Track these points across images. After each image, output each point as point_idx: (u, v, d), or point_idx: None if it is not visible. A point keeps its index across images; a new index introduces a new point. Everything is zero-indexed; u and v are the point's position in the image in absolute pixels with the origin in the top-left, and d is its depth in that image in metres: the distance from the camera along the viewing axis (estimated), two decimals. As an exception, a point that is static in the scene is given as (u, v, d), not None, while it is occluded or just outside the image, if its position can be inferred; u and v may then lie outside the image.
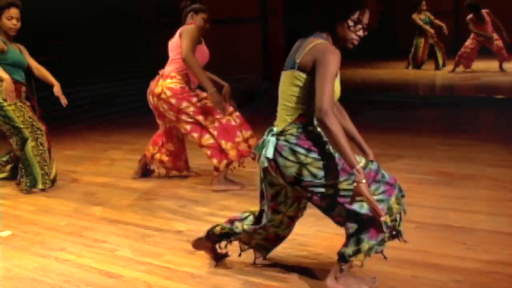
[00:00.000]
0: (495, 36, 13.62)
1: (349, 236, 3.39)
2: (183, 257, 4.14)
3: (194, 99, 5.68)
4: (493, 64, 14.04)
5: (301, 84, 3.33)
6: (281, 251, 4.06)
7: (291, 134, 3.32)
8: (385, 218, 3.33)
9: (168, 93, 5.66)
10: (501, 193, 5.36)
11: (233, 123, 5.62)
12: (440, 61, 14.98)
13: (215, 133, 5.59)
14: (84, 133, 9.16)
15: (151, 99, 5.81)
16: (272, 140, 3.34)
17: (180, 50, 5.57)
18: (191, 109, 5.64)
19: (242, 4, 13.38)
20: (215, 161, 5.60)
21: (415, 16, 14.64)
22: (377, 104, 10.92)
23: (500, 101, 10.57)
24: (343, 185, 3.31)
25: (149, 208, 5.32)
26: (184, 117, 5.66)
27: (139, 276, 3.88)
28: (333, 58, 3.23)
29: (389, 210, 3.43)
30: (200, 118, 5.64)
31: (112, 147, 7.95)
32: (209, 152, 5.62)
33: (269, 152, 3.31)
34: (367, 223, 3.34)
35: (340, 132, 3.19)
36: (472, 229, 4.46)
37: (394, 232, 3.56)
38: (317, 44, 3.31)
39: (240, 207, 4.98)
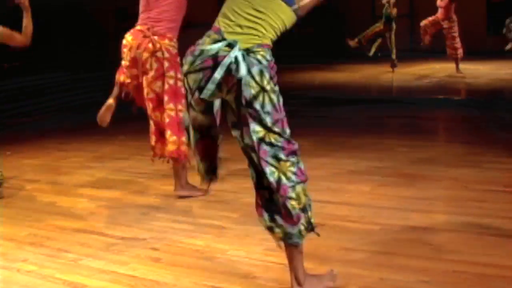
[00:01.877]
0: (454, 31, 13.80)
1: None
2: (148, 265, 4.09)
3: (179, 75, 5.47)
4: (451, 65, 14.21)
5: (282, 14, 3.36)
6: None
7: (263, 57, 3.27)
8: None
9: (167, 54, 5.50)
10: (462, 193, 5.41)
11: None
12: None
13: (167, 120, 5.50)
14: (43, 140, 9.03)
15: (137, 54, 5.53)
16: (241, 54, 3.22)
17: (182, 10, 5.62)
18: (170, 82, 5.50)
19: (198, 7, 13.37)
20: (168, 133, 5.54)
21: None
22: (337, 106, 10.97)
23: (458, 102, 10.71)
24: (272, 136, 3.28)
25: (111, 216, 5.26)
26: (157, 84, 5.52)
27: (103, 285, 3.83)
28: None
29: (297, 196, 3.34)
30: (165, 98, 5.51)
31: (72, 155, 7.86)
32: (167, 120, 5.54)
33: (243, 69, 3.19)
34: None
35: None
36: (436, 230, 4.50)
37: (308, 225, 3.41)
38: None
39: (202, 213, 4.98)
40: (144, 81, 5.60)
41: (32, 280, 3.97)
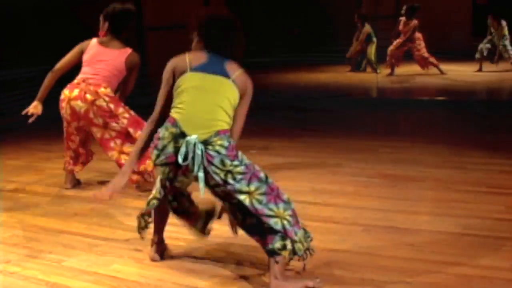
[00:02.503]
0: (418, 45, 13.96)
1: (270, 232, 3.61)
2: (131, 266, 4.10)
3: (127, 107, 5.75)
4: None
5: (233, 100, 3.68)
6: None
7: (221, 146, 3.57)
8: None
9: (107, 98, 5.64)
10: (445, 194, 5.46)
11: None
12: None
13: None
14: (25, 141, 8.98)
15: (75, 105, 5.67)
16: (200, 150, 3.54)
17: (121, 74, 5.78)
18: (125, 116, 5.67)
19: (184, 11, 13.39)
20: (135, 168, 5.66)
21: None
22: (320, 108, 10.99)
23: (442, 103, 10.77)
24: (256, 193, 3.60)
25: (95, 217, 5.25)
26: (115, 123, 5.65)
27: (86, 286, 3.83)
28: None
29: (299, 240, 3.65)
30: (131, 130, 5.66)
31: (56, 156, 7.82)
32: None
33: (196, 169, 3.56)
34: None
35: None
36: (419, 230, 4.54)
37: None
38: (243, 73, 3.74)
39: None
40: (96, 130, 5.77)
41: (15, 281, 3.95)
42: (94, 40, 5.82)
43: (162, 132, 3.63)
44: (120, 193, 5.67)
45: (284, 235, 3.56)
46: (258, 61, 10.68)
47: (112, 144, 5.72)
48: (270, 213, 3.56)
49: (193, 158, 3.52)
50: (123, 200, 5.68)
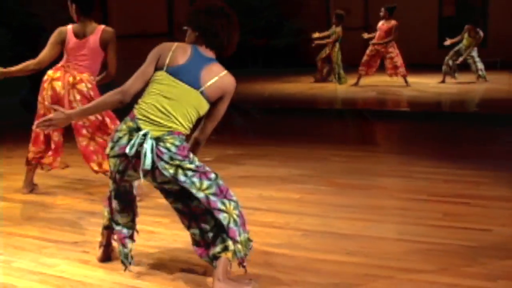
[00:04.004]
0: (392, 52, 14.18)
1: (214, 237, 3.79)
2: (76, 267, 4.25)
3: None
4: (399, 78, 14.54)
5: (200, 109, 3.79)
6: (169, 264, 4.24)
7: (172, 144, 3.67)
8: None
9: (89, 85, 5.74)
10: (388, 201, 5.68)
11: None
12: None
13: (96, 147, 5.82)
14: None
15: (57, 86, 5.76)
16: (150, 144, 3.63)
17: (100, 56, 5.82)
18: None
19: (150, 19, 13.54)
20: (99, 157, 5.82)
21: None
22: (278, 116, 11.19)
23: (399, 113, 11.00)
24: (208, 191, 3.74)
25: (47, 220, 5.38)
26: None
27: (32, 285, 3.98)
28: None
29: (241, 242, 3.81)
30: (107, 120, 5.77)
31: (17, 162, 7.87)
32: (96, 147, 5.84)
33: (147, 162, 3.62)
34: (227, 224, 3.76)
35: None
36: (356, 236, 4.74)
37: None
38: (225, 76, 3.82)
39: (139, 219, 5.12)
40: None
41: (-37, 281, 4.10)
42: (70, 30, 5.81)
43: (120, 125, 3.76)
44: (75, 198, 5.92)
45: (226, 237, 3.72)
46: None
47: (84, 131, 5.81)
48: (222, 207, 3.71)
49: (144, 154, 3.61)
50: (76, 204, 5.84)
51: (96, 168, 5.85)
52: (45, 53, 5.82)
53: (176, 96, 3.72)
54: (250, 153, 7.85)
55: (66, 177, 6.72)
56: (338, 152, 7.83)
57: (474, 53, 14.38)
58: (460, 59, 14.28)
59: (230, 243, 3.73)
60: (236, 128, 10.26)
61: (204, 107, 3.80)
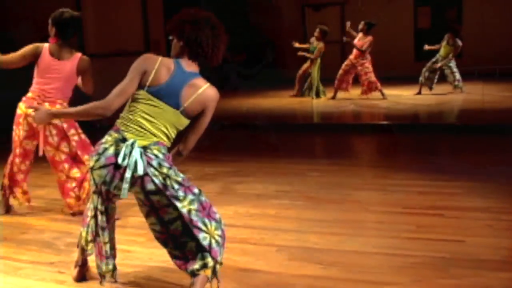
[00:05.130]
0: (366, 67, 14.30)
1: (193, 253, 3.81)
2: (51, 287, 4.27)
3: (79, 130, 5.89)
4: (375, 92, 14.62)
5: (179, 125, 3.85)
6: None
7: (159, 151, 3.74)
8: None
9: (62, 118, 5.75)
10: (363, 215, 5.73)
11: None
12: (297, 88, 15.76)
13: (84, 170, 5.82)
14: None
15: (32, 121, 5.63)
16: (138, 151, 3.68)
17: (73, 81, 5.84)
18: (75, 139, 5.82)
19: (126, 37, 13.56)
20: (76, 191, 5.90)
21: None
22: (255, 131, 11.25)
23: (376, 126, 11.06)
24: (192, 207, 3.78)
25: (23, 241, 5.38)
26: (64, 144, 5.80)
27: (7, 307, 4.00)
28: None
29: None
30: (79, 152, 5.83)
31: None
32: (74, 184, 5.87)
33: (140, 167, 3.65)
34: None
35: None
36: (331, 250, 4.79)
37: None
38: (205, 90, 3.82)
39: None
40: (49, 149, 5.86)
41: None
42: (46, 49, 5.79)
43: (105, 138, 3.77)
44: (52, 218, 5.92)
45: (207, 254, 3.76)
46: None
47: (61, 167, 5.88)
48: (203, 227, 3.75)
49: (135, 161, 3.64)
50: (52, 224, 5.84)
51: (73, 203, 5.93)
52: (13, 57, 5.77)
53: (155, 115, 3.75)
54: (227, 169, 7.88)
55: (42, 197, 6.71)
56: (314, 167, 7.88)
57: (452, 64, 14.48)
58: (439, 64, 14.36)
59: (209, 259, 3.77)
60: (212, 144, 10.27)
61: (184, 123, 3.84)
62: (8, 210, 6.29)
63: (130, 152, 3.65)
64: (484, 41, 18.35)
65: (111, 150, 3.70)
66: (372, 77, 14.29)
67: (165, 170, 3.70)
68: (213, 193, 6.56)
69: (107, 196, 3.87)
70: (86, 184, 5.84)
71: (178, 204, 3.71)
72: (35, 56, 5.77)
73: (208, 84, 3.84)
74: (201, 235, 3.74)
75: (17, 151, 5.98)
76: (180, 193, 3.73)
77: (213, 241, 3.77)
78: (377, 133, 10.58)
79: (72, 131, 5.84)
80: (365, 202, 6.12)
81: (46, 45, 5.82)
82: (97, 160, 3.72)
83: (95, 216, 3.97)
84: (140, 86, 3.77)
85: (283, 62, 20.33)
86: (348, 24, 14.99)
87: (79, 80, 5.93)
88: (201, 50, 3.81)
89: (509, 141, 9.14)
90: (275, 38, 20.93)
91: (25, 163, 6.06)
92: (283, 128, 11.52)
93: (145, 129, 3.73)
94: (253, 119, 12.69)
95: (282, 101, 15.58)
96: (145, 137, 3.73)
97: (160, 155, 3.72)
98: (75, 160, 5.88)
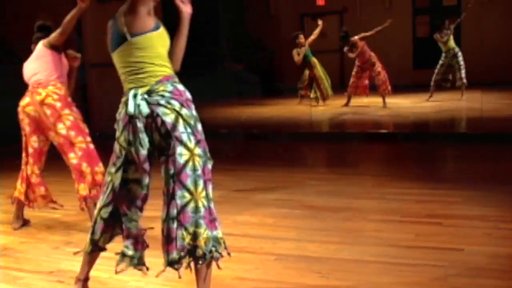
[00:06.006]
0: (378, 68, 14.20)
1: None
2: (51, 297, 4.29)
3: (74, 109, 5.90)
4: (378, 99, 14.66)
5: (168, 46, 3.81)
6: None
7: (164, 90, 3.67)
8: None
9: (55, 96, 5.78)
10: (361, 223, 5.74)
11: (95, 151, 5.87)
12: (318, 95, 15.52)
13: (79, 153, 5.78)
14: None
15: (30, 111, 5.81)
16: (141, 97, 3.64)
17: (50, 58, 5.86)
18: (70, 118, 5.80)
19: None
20: (82, 186, 5.81)
21: (294, 51, 15.00)
22: (254, 140, 11.26)
23: (375, 135, 11.09)
24: (196, 160, 3.67)
25: (23, 251, 5.40)
26: (60, 126, 5.76)
27: (6, 317, 4.01)
28: None
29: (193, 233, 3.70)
30: (72, 133, 5.78)
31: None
32: (73, 175, 5.84)
33: (144, 108, 3.61)
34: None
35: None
36: (328, 259, 4.79)
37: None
38: None
39: (109, 246, 5.12)
40: (54, 135, 5.86)
41: None
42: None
43: (119, 107, 3.78)
44: (51, 227, 5.93)
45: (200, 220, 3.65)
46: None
47: (64, 149, 5.84)
48: (191, 187, 3.62)
49: (138, 105, 3.60)
50: (53, 234, 5.86)
51: (84, 192, 5.81)
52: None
53: (138, 57, 3.72)
54: (225, 178, 7.89)
55: (41, 206, 6.71)
56: (313, 176, 7.91)
57: (460, 58, 14.44)
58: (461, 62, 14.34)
59: (202, 230, 3.67)
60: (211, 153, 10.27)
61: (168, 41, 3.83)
62: (26, 223, 6.24)
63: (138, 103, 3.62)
64: (483, 51, 18.41)
65: (123, 112, 3.71)
66: (385, 74, 14.27)
67: (176, 108, 3.64)
68: (212, 202, 6.55)
69: (145, 167, 3.73)
70: (86, 170, 5.80)
71: (179, 150, 3.61)
72: None
73: None
74: (179, 192, 3.61)
75: (29, 151, 5.98)
76: (192, 138, 3.66)
77: (190, 205, 3.62)
78: (376, 141, 10.60)
79: (66, 110, 5.82)
80: (364, 211, 6.13)
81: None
82: (117, 129, 3.76)
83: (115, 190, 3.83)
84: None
85: (281, 71, 20.39)
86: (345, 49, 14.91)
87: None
88: None
89: (508, 150, 9.15)
90: (273, 48, 20.97)
91: (38, 164, 6.03)
92: (282, 136, 11.54)
93: (141, 72, 3.70)
94: (251, 128, 12.71)
95: (281, 109, 15.60)
96: (144, 82, 3.69)
97: (167, 94, 3.66)
98: (71, 145, 5.81)
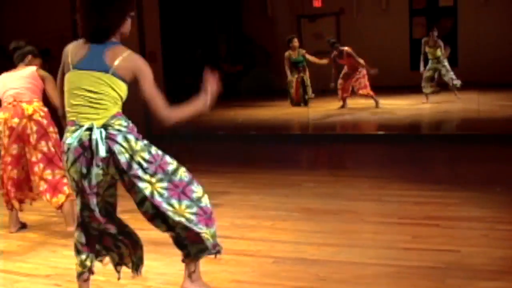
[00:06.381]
0: (361, 73, 14.22)
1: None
2: (48, 301, 4.29)
3: (56, 129, 5.90)
4: (368, 101, 14.64)
5: (119, 90, 3.64)
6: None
7: (120, 125, 3.61)
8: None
9: (42, 113, 5.84)
10: (358, 225, 5.75)
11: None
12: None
13: (58, 173, 5.85)
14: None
15: (14, 123, 5.79)
16: (99, 132, 3.54)
17: (38, 83, 5.91)
18: (54, 136, 5.87)
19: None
20: (48, 196, 5.87)
21: (286, 54, 15.08)
22: (250, 142, 11.27)
23: (371, 136, 11.10)
24: (157, 188, 3.66)
25: (21, 254, 5.40)
26: (43, 143, 5.81)
27: (3, 321, 4.02)
28: (149, 69, 3.70)
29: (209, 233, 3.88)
30: (56, 149, 5.81)
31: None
32: (45, 186, 5.86)
33: (101, 149, 3.52)
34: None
35: (183, 113, 3.83)
36: (326, 261, 4.80)
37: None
38: (130, 54, 3.66)
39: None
40: (28, 150, 5.88)
41: None
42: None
43: (64, 136, 3.67)
44: (49, 231, 5.93)
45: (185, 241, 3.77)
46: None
47: (36, 168, 5.87)
48: (169, 208, 3.66)
49: (96, 143, 3.51)
50: (51, 238, 5.86)
51: (61, 201, 5.87)
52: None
53: (91, 85, 3.60)
54: (222, 180, 7.89)
55: (39, 209, 6.71)
56: (310, 178, 7.92)
57: (446, 63, 14.45)
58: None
59: (189, 248, 3.85)
60: (207, 155, 10.31)
61: (120, 86, 3.63)
62: (24, 226, 6.24)
63: (90, 136, 3.54)
64: (479, 51, 18.40)
65: (75, 143, 3.58)
66: (365, 81, 14.28)
67: (133, 144, 3.59)
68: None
69: (90, 190, 3.66)
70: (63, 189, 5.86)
71: (140, 185, 3.60)
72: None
73: (130, 51, 3.69)
74: (170, 213, 3.67)
75: (7, 159, 5.97)
76: (148, 172, 3.61)
77: (183, 219, 3.69)
78: (373, 143, 10.60)
79: (51, 128, 5.89)
80: (361, 213, 6.14)
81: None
82: (66, 160, 3.65)
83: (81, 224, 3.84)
84: (67, 71, 3.70)
85: (277, 73, 20.37)
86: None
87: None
88: (95, 26, 3.66)
89: (505, 151, 9.15)
90: (270, 49, 20.96)
91: (14, 170, 6.00)
92: (278, 139, 11.55)
93: (92, 108, 3.59)
94: (248, 130, 12.71)
95: (277, 111, 15.61)
96: (97, 116, 3.59)
97: (123, 128, 3.60)
98: (51, 161, 5.85)
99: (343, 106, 14.85)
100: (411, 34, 20.83)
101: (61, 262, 5.09)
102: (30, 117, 5.81)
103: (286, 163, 9.39)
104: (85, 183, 3.64)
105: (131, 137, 3.61)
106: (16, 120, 5.82)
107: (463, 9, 19.45)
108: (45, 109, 5.92)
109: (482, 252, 4.85)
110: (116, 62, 3.61)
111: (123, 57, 3.62)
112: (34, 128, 5.82)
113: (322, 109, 15.10)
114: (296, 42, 15.02)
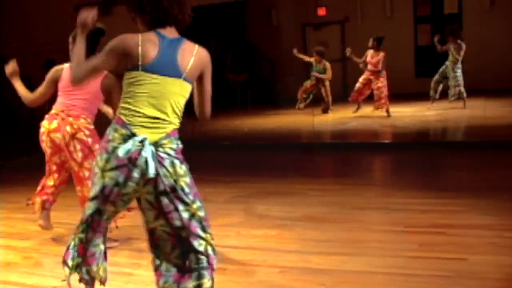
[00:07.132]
0: (381, 82, 14.19)
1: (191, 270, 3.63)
2: (54, 312, 4.28)
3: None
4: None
5: (186, 95, 3.63)
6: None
7: (171, 148, 3.54)
8: None
9: (87, 132, 5.66)
10: (364, 234, 5.72)
11: None
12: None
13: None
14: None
15: (56, 138, 5.67)
16: (150, 151, 3.45)
17: (98, 100, 5.77)
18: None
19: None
20: None
21: (312, 59, 15.49)
22: (256, 152, 11.27)
23: (377, 145, 11.07)
24: (197, 212, 3.59)
25: (27, 265, 5.39)
26: (89, 162, 5.63)
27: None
28: None
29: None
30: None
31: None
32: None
33: (151, 169, 3.43)
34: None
35: None
36: (332, 270, 4.78)
37: None
38: (198, 50, 3.65)
39: (114, 260, 5.14)
40: (74, 164, 5.77)
41: None
42: (66, 66, 5.66)
43: (111, 134, 3.52)
44: (54, 241, 5.93)
45: (204, 271, 3.60)
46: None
47: (85, 183, 5.73)
48: (202, 234, 3.60)
49: (145, 161, 3.42)
50: (56, 248, 5.84)
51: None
52: (40, 92, 5.77)
53: (159, 94, 3.51)
54: (228, 190, 7.88)
55: (60, 221, 6.70)
56: (316, 186, 7.90)
57: (459, 73, 14.33)
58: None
59: (206, 280, 3.60)
60: (212, 165, 10.31)
61: (188, 89, 3.62)
62: (49, 225, 6.15)
63: (140, 150, 3.43)
64: (485, 58, 18.38)
65: (121, 151, 3.44)
66: (384, 92, 14.18)
67: (177, 169, 3.52)
68: (214, 214, 6.50)
69: (114, 198, 3.58)
70: None
71: (181, 207, 3.54)
72: (57, 79, 5.75)
73: (197, 45, 3.66)
74: (196, 242, 3.58)
75: (52, 167, 5.92)
76: (190, 197, 3.56)
77: (209, 247, 3.61)
78: (379, 151, 10.58)
79: (97, 146, 5.63)
80: (368, 222, 6.12)
81: (67, 65, 5.66)
82: (107, 160, 3.48)
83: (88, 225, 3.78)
84: (131, 68, 3.53)
85: (283, 81, 20.37)
86: (348, 51, 14.83)
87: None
88: (169, 15, 3.61)
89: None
90: (275, 58, 20.99)
91: (59, 175, 5.97)
92: (283, 147, 11.54)
93: (153, 118, 3.50)
94: (253, 139, 12.70)
95: (282, 120, 15.61)
96: (154, 129, 3.51)
97: (172, 152, 3.52)
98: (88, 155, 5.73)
99: (357, 110, 14.87)
100: (416, 41, 20.86)
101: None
102: (73, 136, 5.66)
103: (291, 171, 9.38)
104: (115, 190, 3.54)
105: (177, 162, 3.55)
106: (59, 135, 5.68)
107: (467, 16, 19.46)
108: (91, 127, 5.73)
109: (490, 260, 4.82)
110: (188, 67, 3.60)
111: (194, 56, 3.62)
112: (78, 147, 5.67)
113: (327, 118, 15.12)
114: (316, 57, 15.52)
